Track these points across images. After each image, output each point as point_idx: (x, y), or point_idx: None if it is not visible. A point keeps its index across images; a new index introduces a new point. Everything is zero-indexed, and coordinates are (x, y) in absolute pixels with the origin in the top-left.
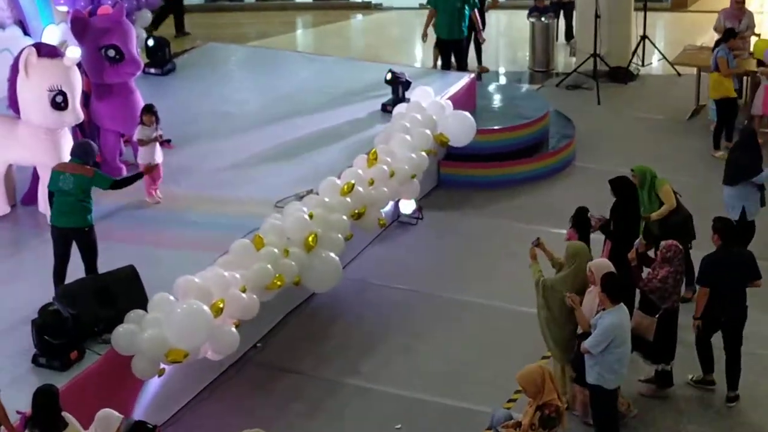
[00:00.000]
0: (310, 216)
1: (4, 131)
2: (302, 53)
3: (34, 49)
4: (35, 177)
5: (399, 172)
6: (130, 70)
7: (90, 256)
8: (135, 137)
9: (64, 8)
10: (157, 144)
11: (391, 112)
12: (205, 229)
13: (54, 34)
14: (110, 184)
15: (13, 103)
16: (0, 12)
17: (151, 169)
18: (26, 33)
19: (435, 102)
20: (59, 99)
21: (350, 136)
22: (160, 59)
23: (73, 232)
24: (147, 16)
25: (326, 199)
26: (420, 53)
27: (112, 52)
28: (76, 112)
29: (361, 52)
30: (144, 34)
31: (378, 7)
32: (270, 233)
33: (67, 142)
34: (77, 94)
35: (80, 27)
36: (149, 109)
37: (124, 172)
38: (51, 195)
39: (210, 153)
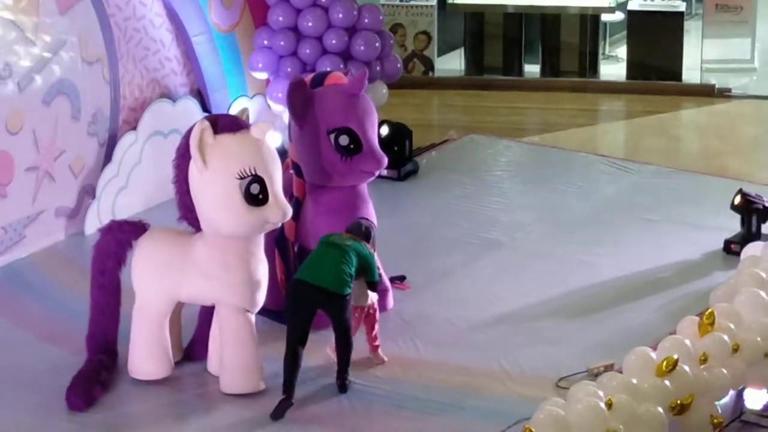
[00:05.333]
0: (608, 404)
1: (176, 253)
2: (607, 157)
3: (207, 124)
4: (204, 320)
5: (747, 347)
6: (368, 166)
7: (342, 336)
8: None
9: (263, 75)
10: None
11: (738, 253)
12: (439, 414)
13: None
14: (377, 278)
15: (187, 210)
16: (171, 76)
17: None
18: (205, 108)
19: None
20: (255, 188)
21: (674, 288)
22: (397, 156)
23: (328, 297)
24: (382, 91)
25: (633, 381)
26: None
27: (345, 140)
28: (280, 204)
29: (696, 159)
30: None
31: (725, 94)
32: (545, 428)
33: (263, 263)
34: (278, 180)
35: (302, 99)
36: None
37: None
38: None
39: (462, 297)
